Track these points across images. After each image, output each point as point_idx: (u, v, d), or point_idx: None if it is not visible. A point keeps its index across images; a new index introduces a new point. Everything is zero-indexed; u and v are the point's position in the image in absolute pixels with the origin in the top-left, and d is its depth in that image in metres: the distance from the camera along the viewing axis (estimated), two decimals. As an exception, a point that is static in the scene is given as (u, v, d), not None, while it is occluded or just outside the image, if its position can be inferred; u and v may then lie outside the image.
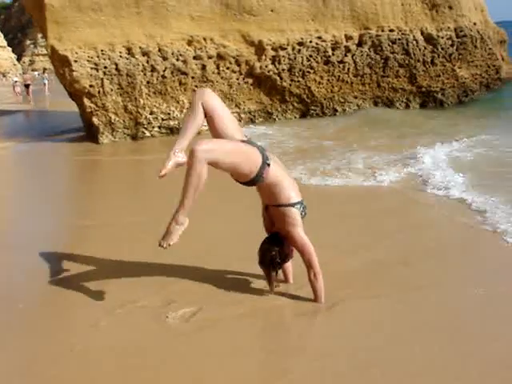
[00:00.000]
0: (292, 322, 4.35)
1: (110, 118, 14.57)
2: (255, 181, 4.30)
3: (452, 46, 18.10)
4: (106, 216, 7.61)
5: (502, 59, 20.09)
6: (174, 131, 15.14)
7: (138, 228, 6.71)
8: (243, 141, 4.39)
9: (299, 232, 4.42)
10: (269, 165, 4.28)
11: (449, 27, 18.22)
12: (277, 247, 4.46)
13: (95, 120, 14.51)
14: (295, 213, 4.41)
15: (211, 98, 4.46)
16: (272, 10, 16.27)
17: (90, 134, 15.24)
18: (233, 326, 4.16)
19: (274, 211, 4.50)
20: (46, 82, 38.29)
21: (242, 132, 4.55)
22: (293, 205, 4.40)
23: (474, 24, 18.87)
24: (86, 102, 14.44)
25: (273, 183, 4.36)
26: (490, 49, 19.09)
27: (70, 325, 4.34)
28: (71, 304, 4.70)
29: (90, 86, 14.35)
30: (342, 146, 12.03)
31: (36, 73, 68.90)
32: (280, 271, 4.75)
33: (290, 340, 4.10)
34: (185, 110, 15.23)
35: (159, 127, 15.05)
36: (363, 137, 13.06)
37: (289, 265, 4.82)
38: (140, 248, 5.88)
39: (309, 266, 4.48)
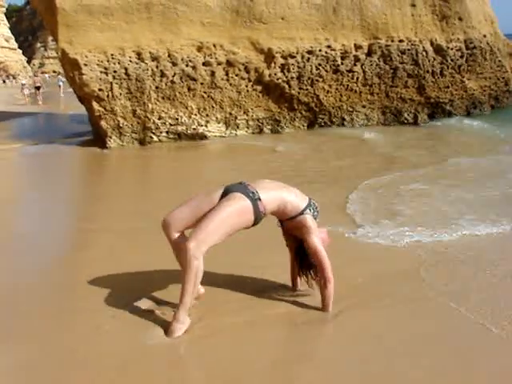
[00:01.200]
0: (297, 330, 4.32)
1: (119, 122, 14.62)
2: (259, 221, 4.36)
3: (461, 57, 18.10)
4: (109, 220, 7.62)
5: (512, 72, 20.06)
6: (181, 136, 15.19)
7: (141, 233, 6.71)
8: (224, 194, 4.36)
9: (313, 239, 4.43)
10: (259, 199, 4.29)
11: (458, 38, 18.23)
12: (302, 259, 4.61)
13: (103, 124, 14.55)
14: (307, 219, 4.44)
15: (170, 226, 4.40)
16: (282, 18, 16.31)
17: (97, 137, 15.29)
18: (236, 334, 4.14)
19: (288, 224, 4.55)
20: (61, 84, 38.54)
21: (214, 191, 4.45)
22: (302, 212, 4.44)
23: (484, 36, 18.87)
24: (95, 105, 14.49)
25: (275, 207, 4.40)
26: (499, 61, 19.08)
27: (72, 329, 4.33)
28: (73, 308, 4.69)
29: (100, 89, 14.40)
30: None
31: (47, 75, 69.36)
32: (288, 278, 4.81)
33: (294, 348, 4.07)
34: (193, 116, 15.27)
35: (167, 132, 15.08)
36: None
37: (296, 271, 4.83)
38: (143, 253, 5.88)
39: (322, 273, 4.48)
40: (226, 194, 4.37)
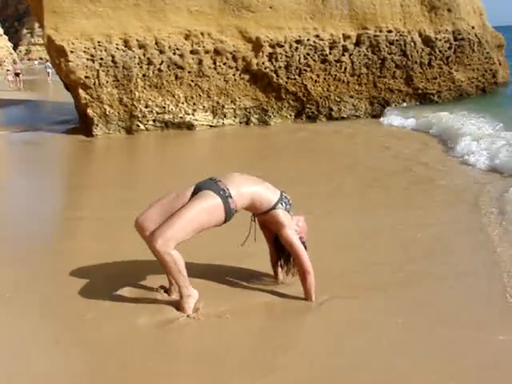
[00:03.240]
0: (280, 319, 4.33)
1: (105, 109, 14.51)
2: (229, 218, 4.35)
3: (449, 48, 18.10)
4: (94, 209, 7.59)
5: (499, 64, 20.07)
6: (168, 125, 15.11)
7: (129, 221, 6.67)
8: (194, 191, 4.35)
9: (287, 232, 4.43)
10: (230, 196, 4.27)
11: (447, 30, 18.21)
12: (281, 252, 4.64)
13: (90, 111, 14.45)
14: (279, 214, 4.44)
15: (143, 228, 4.38)
16: (271, 7, 16.22)
17: (84, 125, 15.18)
18: (220, 323, 4.14)
19: (261, 218, 4.59)
20: (50, 70, 38.50)
21: (185, 189, 4.44)
22: (274, 207, 4.43)
23: (472, 27, 18.87)
24: (82, 93, 14.37)
25: (246, 203, 4.40)
26: (487, 53, 19.10)
27: (57, 317, 4.31)
28: (58, 295, 4.67)
29: (86, 77, 14.29)
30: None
31: (36, 62, 68.80)
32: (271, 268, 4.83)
33: (278, 336, 4.07)
34: (180, 104, 15.19)
35: (154, 121, 15.00)
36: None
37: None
38: (128, 241, 5.85)
39: (299, 265, 4.48)
40: (196, 191, 4.35)
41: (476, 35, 18.77)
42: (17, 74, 35.53)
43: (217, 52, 15.61)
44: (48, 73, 39.68)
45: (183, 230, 4.13)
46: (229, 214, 4.29)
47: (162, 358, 3.69)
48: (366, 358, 3.67)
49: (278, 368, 3.60)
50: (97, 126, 14.48)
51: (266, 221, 4.57)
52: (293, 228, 4.48)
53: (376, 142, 12.56)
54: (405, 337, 3.94)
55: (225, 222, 4.35)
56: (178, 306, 4.31)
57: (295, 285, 4.61)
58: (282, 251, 4.65)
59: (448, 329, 4.03)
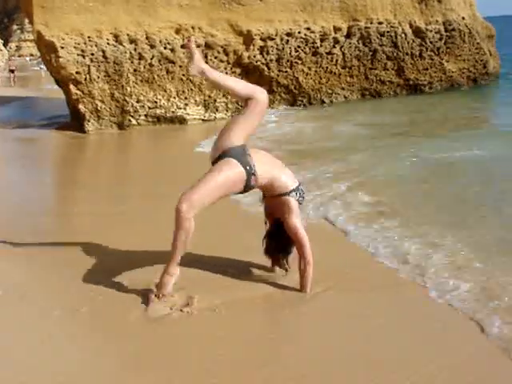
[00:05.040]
0: (276, 310, 4.35)
1: (97, 105, 14.48)
2: (246, 191, 4.45)
3: (440, 39, 18.15)
4: (88, 205, 7.59)
5: (490, 54, 20.13)
6: (160, 120, 15.09)
7: (122, 216, 6.70)
8: (223, 153, 4.38)
9: (294, 220, 4.46)
10: (255, 174, 4.33)
11: (437, 21, 18.26)
12: (276, 242, 4.60)
13: (81, 107, 14.41)
14: (291, 201, 4.46)
15: None
16: (261, 0, 16.20)
17: (75, 121, 15.13)
18: (215, 315, 4.15)
19: (270, 201, 4.61)
20: (43, 66, 38.56)
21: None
22: (288, 193, 4.46)
23: (463, 18, 18.92)
24: (73, 88, 14.32)
25: (265, 183, 4.45)
26: (477, 43, 19.15)
27: (49, 311, 4.32)
28: (51, 289, 4.68)
29: (77, 72, 14.24)
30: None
31: (27, 58, 68.41)
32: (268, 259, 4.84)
33: (273, 327, 4.11)
34: (172, 99, 15.17)
35: (146, 115, 14.97)
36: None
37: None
38: (124, 236, 5.88)
39: (301, 255, 4.50)
40: (225, 153, 4.38)
41: (466, 26, 18.82)
42: (11, 71, 35.85)
43: (208, 46, 15.59)
44: (41, 68, 39.81)
45: (209, 196, 4.23)
46: (246, 188, 4.39)
47: (154, 351, 3.70)
48: (361, 349, 3.69)
49: (274, 359, 3.62)
50: (88, 121, 14.44)
51: (274, 205, 4.57)
52: (299, 217, 4.52)
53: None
54: (399, 329, 3.98)
55: (243, 192, 4.48)
56: (158, 284, 4.33)
57: (290, 276, 4.64)
58: (277, 243, 4.63)
59: (437, 321, 4.08)
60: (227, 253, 5.25)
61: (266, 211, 4.78)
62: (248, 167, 4.30)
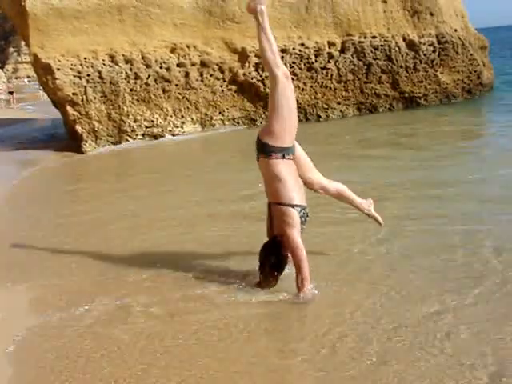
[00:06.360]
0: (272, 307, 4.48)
1: (94, 125, 14.56)
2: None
3: (434, 51, 18.26)
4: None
5: (484, 65, 20.25)
6: (157, 138, 15.16)
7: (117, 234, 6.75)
8: None
9: (294, 234, 4.53)
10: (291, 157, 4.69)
11: (430, 33, 18.38)
12: (274, 256, 4.59)
13: (78, 128, 14.49)
14: (294, 214, 4.55)
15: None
16: (255, 18, 16.30)
17: (73, 141, 15.21)
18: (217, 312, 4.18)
19: (274, 209, 4.65)
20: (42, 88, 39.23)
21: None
22: (293, 206, 4.55)
23: (455, 30, 19.04)
24: (70, 109, 14.42)
25: (278, 177, 4.57)
26: (471, 55, 19.26)
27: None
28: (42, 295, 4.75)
29: (73, 93, 14.34)
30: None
31: (26, 80, 68.68)
32: None
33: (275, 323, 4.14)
34: (168, 118, 15.25)
35: (143, 135, 15.06)
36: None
37: None
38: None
39: (298, 270, 4.54)
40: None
41: (459, 38, 18.94)
42: (11, 93, 37.55)
43: (203, 64, 15.71)
44: (41, 89, 40.25)
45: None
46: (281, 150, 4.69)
47: (158, 346, 3.74)
48: (354, 347, 3.76)
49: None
50: (86, 142, 14.52)
51: (278, 214, 4.62)
52: (299, 233, 4.58)
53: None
54: (392, 326, 4.03)
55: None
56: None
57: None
58: (278, 257, 4.63)
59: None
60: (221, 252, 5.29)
61: (268, 223, 4.81)
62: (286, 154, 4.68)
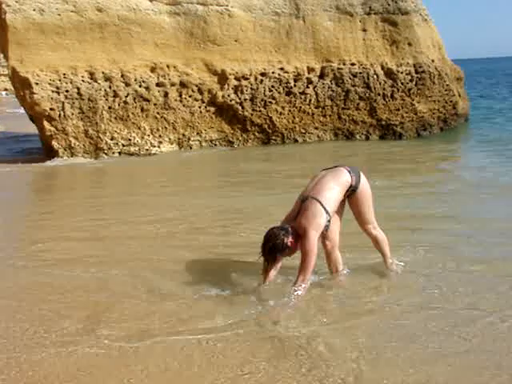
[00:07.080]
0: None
1: (70, 142, 14.49)
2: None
3: (411, 81, 18.52)
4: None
5: (459, 95, 20.59)
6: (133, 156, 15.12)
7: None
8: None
9: (315, 236, 4.73)
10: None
11: (408, 63, 18.65)
12: (284, 236, 4.71)
13: (55, 144, 14.40)
14: (322, 215, 4.78)
15: None
16: (236, 40, 16.46)
17: (49, 157, 15.08)
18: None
19: (309, 203, 4.84)
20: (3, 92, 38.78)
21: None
22: (326, 210, 4.80)
23: (432, 61, 19.36)
24: (46, 125, 14.34)
25: (335, 184, 4.97)
26: (447, 85, 19.58)
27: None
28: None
29: (51, 109, 14.28)
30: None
31: (3, 93, 68.02)
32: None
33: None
34: (146, 137, 15.23)
35: (119, 153, 15.01)
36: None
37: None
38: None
39: (301, 270, 4.74)
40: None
41: (436, 68, 19.25)
42: None
43: (182, 84, 15.76)
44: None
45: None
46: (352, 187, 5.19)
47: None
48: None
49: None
50: (62, 158, 14.41)
51: (308, 209, 4.84)
52: (318, 234, 4.82)
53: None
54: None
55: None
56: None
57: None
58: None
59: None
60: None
61: (290, 214, 5.04)
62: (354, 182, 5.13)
